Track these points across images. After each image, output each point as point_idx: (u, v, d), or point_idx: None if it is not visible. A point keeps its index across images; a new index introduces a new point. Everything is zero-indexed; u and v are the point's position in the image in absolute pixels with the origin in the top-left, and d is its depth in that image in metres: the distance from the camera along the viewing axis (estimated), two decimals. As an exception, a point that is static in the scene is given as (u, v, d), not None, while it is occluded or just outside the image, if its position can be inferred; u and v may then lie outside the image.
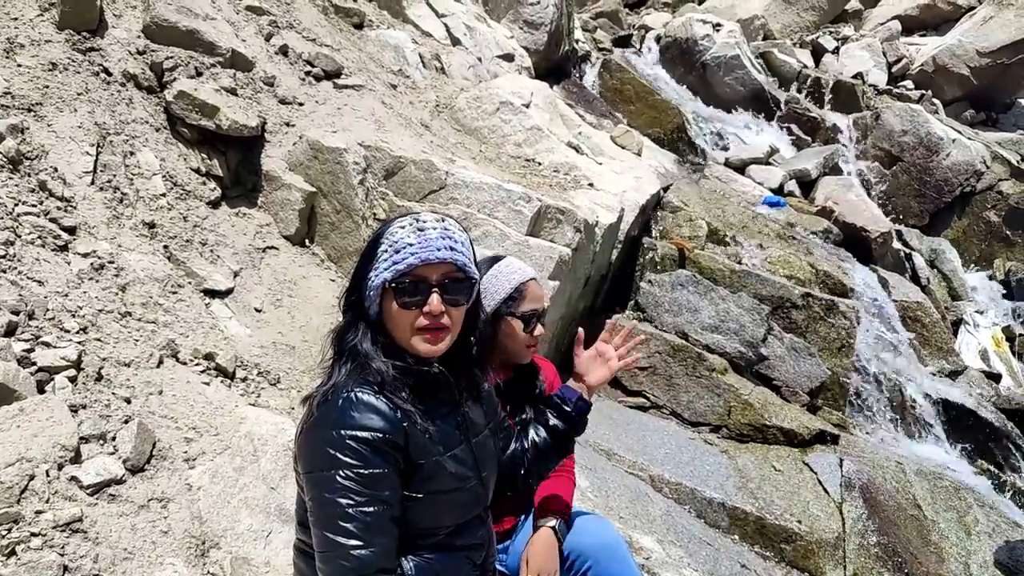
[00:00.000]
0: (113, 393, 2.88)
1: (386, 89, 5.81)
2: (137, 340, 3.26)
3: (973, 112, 11.08)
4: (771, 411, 5.17)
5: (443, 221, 1.87)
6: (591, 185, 5.50)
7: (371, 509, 1.72)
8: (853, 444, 5.25)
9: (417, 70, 6.36)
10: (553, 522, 2.44)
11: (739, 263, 5.75)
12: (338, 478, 1.72)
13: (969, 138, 9.63)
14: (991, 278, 8.66)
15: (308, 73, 5.32)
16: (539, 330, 2.49)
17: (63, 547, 2.27)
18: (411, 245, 1.80)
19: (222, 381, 3.45)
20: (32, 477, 2.39)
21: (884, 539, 4.46)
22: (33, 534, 2.27)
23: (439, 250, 1.80)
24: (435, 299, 1.80)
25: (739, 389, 5.25)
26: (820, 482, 4.75)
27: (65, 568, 2.23)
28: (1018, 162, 9.69)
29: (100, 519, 2.43)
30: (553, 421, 2.25)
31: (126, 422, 2.76)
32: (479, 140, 5.82)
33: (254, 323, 4.16)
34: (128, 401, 2.90)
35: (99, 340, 3.09)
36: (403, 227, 1.84)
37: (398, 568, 1.80)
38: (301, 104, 5.12)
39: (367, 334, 1.86)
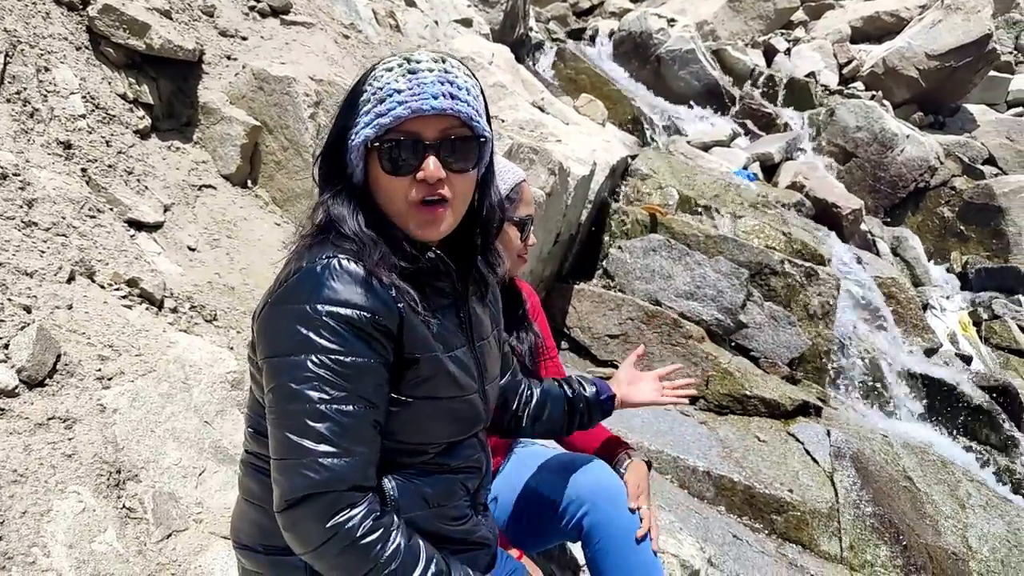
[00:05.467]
0: (9, 299, 2.34)
1: (339, 37, 5.34)
2: (43, 252, 2.72)
3: (921, 115, 11.13)
4: (752, 381, 4.83)
5: (443, 62, 1.40)
6: (559, 142, 5.12)
7: (349, 408, 1.29)
8: (835, 417, 4.94)
9: (370, 25, 5.91)
10: (644, 457, 2.33)
11: (714, 229, 5.42)
12: (310, 364, 1.28)
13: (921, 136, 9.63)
14: (948, 271, 8.59)
15: (252, 8, 4.82)
16: (532, 239, 2.19)
17: (-72, 459, 1.73)
18: (399, 92, 1.35)
19: (147, 309, 2.92)
20: None
21: (879, 510, 4.13)
22: None
23: (435, 98, 1.35)
24: (431, 163, 1.36)
25: (718, 358, 4.89)
26: (808, 452, 4.42)
27: (-70, 485, 1.70)
28: (970, 161, 9.72)
29: (-18, 433, 1.90)
30: (585, 398, 2.11)
31: (23, 328, 2.22)
32: (438, 96, 5.38)
33: (187, 261, 3.62)
34: (28, 310, 2.36)
35: (-6, 245, 2.55)
36: (390, 69, 1.38)
37: (378, 489, 1.37)
38: (244, 38, 4.61)
39: (347, 202, 1.42)
